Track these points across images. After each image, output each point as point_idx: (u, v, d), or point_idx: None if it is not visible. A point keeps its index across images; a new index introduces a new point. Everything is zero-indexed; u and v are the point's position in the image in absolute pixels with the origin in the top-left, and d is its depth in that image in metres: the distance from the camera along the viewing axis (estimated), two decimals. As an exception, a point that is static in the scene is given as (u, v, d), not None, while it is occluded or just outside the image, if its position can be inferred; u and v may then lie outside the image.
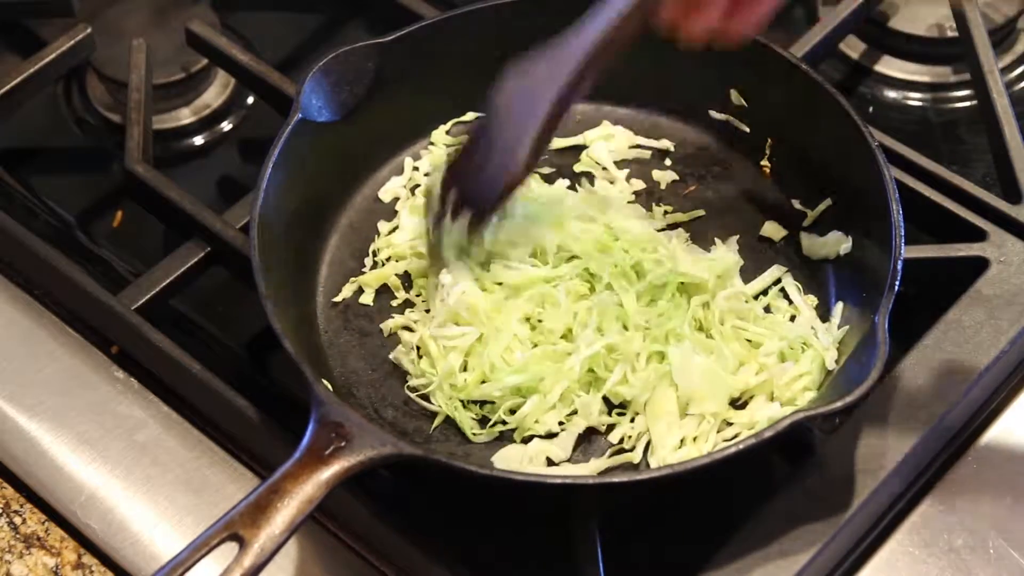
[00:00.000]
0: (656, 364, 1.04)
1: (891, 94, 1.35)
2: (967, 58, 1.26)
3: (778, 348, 1.05)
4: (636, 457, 1.02)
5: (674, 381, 1.03)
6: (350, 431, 0.91)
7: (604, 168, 1.20)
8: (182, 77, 1.31)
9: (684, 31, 0.99)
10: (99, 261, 1.22)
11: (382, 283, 1.12)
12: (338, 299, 1.11)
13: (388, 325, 1.10)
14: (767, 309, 1.09)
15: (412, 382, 1.06)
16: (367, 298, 1.12)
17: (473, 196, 1.07)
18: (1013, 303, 1.08)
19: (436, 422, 1.05)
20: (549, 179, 1.18)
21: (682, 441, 1.02)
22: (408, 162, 1.20)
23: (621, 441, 1.03)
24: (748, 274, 1.12)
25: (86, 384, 1.09)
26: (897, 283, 1.00)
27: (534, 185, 1.15)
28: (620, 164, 1.20)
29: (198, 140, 1.33)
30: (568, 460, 1.03)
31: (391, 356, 1.08)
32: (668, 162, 1.20)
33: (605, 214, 1.13)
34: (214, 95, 1.34)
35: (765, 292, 1.11)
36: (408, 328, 1.09)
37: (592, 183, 1.18)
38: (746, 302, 1.08)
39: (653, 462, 1.01)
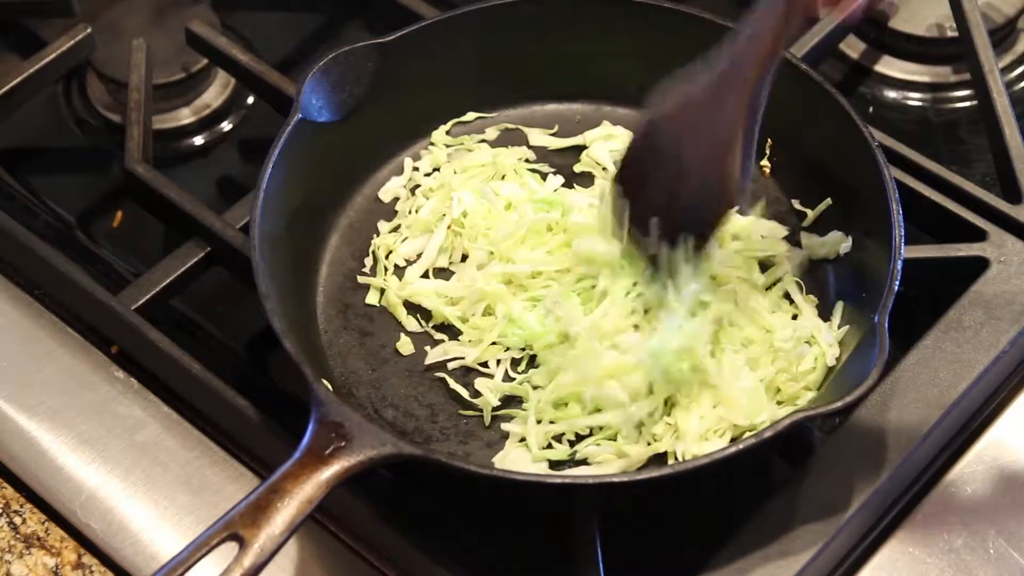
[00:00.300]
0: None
1: (891, 94, 1.35)
2: (967, 58, 1.26)
3: (793, 336, 1.05)
4: (666, 446, 1.01)
5: (717, 386, 1.02)
6: (350, 431, 0.91)
7: (604, 168, 1.20)
8: (182, 77, 1.31)
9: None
10: (99, 261, 1.22)
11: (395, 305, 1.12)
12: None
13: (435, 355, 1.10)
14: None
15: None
16: (371, 298, 1.12)
17: (687, 224, 1.04)
18: (1013, 303, 1.08)
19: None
20: (544, 178, 1.19)
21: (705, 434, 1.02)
22: (408, 162, 1.20)
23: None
24: (748, 274, 1.12)
25: (86, 384, 1.09)
26: (897, 283, 1.00)
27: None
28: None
29: (198, 140, 1.33)
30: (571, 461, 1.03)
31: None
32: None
33: None
34: (214, 95, 1.34)
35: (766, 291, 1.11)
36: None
37: (592, 183, 1.18)
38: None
39: (680, 451, 1.01)
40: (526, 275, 1.10)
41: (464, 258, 1.14)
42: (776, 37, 0.98)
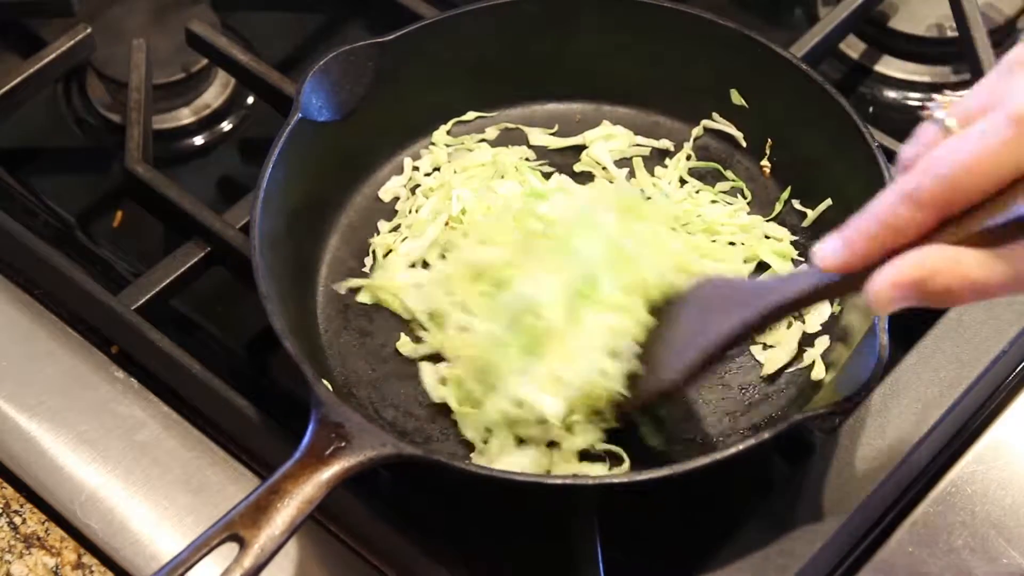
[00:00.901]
0: None
1: (891, 94, 1.35)
2: (967, 58, 1.26)
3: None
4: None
5: None
6: (350, 431, 0.91)
7: (604, 168, 1.20)
8: (182, 77, 1.31)
9: None
10: (99, 261, 1.22)
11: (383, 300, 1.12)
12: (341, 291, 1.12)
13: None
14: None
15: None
16: (362, 297, 1.12)
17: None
18: (1013, 303, 1.08)
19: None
20: (547, 177, 1.19)
21: None
22: (408, 162, 1.20)
23: None
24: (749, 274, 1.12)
25: (86, 384, 1.09)
26: (897, 283, 1.00)
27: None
28: (620, 164, 1.20)
29: (198, 140, 1.33)
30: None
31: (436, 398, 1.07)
32: (668, 162, 1.20)
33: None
34: (214, 95, 1.34)
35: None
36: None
37: (592, 182, 1.18)
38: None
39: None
40: (499, 265, 1.07)
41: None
42: (809, 296, 0.91)
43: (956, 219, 0.79)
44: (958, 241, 0.79)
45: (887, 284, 0.80)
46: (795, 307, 0.93)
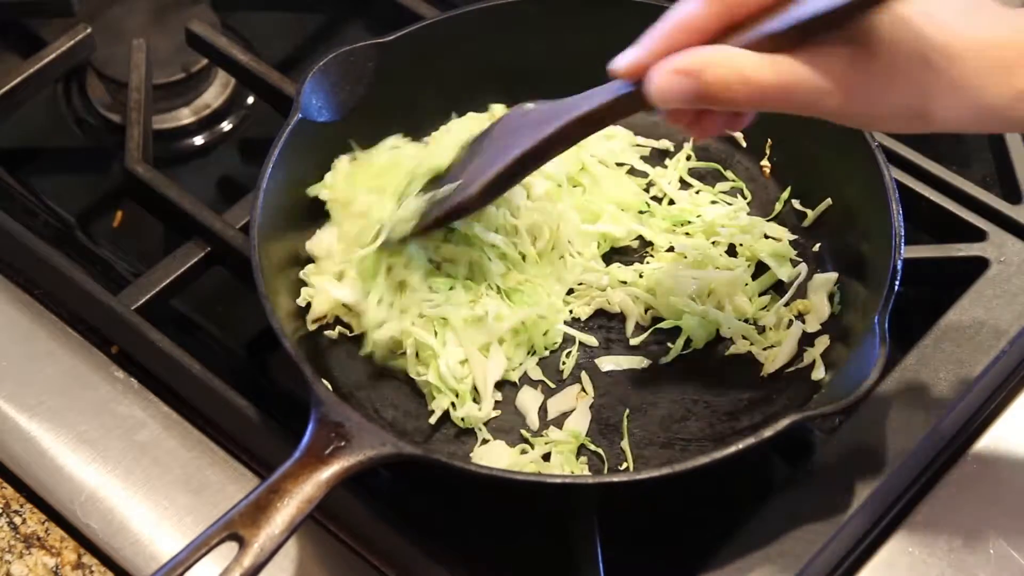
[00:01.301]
0: None
1: (891, 94, 1.34)
2: (967, 58, 1.26)
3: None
4: None
5: None
6: (350, 431, 0.91)
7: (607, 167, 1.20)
8: (182, 77, 1.31)
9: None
10: (99, 261, 1.22)
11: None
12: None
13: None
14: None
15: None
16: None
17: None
18: (1013, 303, 1.08)
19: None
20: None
21: None
22: (408, 162, 1.20)
23: None
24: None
25: (86, 384, 1.09)
26: (897, 283, 1.00)
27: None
28: (620, 164, 1.20)
29: (198, 140, 1.33)
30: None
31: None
32: (668, 162, 1.20)
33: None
34: (214, 95, 1.34)
35: (767, 292, 1.11)
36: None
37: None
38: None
39: None
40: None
41: None
42: (605, 108, 0.96)
43: (740, 25, 0.86)
44: (742, 46, 0.85)
45: (666, 71, 0.86)
46: (597, 121, 0.97)
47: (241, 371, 1.15)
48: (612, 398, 1.07)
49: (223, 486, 1.03)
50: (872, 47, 0.84)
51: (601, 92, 0.95)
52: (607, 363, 1.09)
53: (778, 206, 1.16)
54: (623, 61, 0.91)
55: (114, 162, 1.26)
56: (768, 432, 0.93)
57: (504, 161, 1.02)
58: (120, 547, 1.01)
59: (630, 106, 0.94)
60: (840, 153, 1.11)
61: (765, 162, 1.19)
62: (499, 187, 1.04)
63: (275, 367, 1.14)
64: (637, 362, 1.09)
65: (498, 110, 1.16)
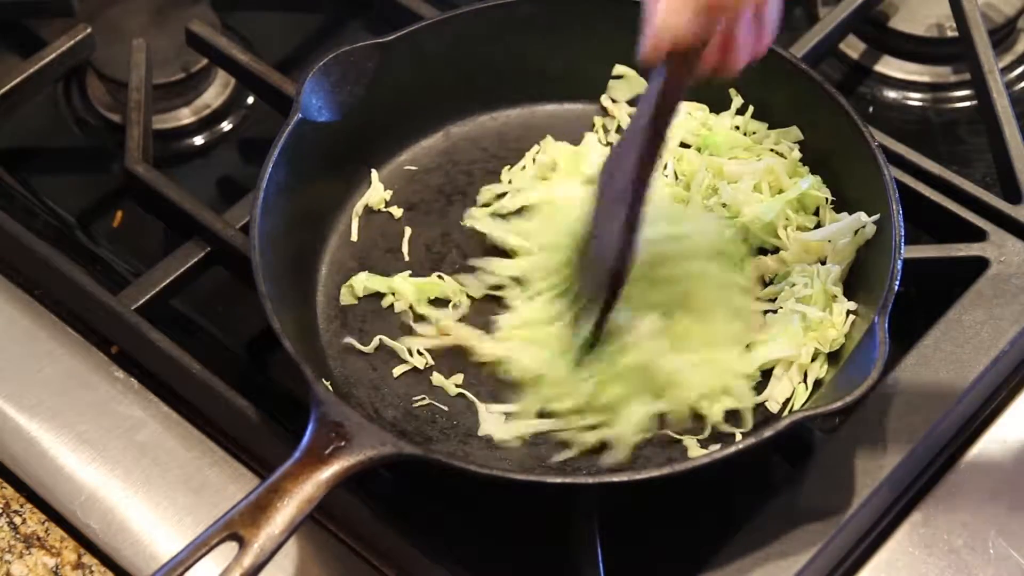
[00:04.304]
0: None
1: (891, 94, 1.35)
2: (967, 58, 1.26)
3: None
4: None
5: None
6: (350, 431, 0.92)
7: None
8: (182, 77, 1.31)
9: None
10: (99, 261, 1.22)
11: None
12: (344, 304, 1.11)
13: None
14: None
15: None
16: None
17: (592, 291, 1.03)
18: (1013, 303, 1.08)
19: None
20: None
21: None
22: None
23: None
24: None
25: (86, 384, 1.09)
26: (897, 283, 1.00)
27: None
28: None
29: (198, 140, 1.33)
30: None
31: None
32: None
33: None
34: (214, 95, 1.34)
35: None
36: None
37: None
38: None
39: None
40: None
41: None
42: (660, 108, 0.96)
43: None
44: None
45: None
46: (659, 126, 0.96)
47: (241, 371, 1.15)
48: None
49: (223, 486, 1.03)
50: None
51: (645, 99, 0.97)
52: None
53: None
54: (643, 47, 0.93)
55: (114, 162, 1.26)
56: (768, 432, 0.93)
57: (623, 208, 0.98)
58: (120, 547, 1.01)
59: (672, 90, 0.95)
60: (840, 153, 1.11)
61: (765, 162, 1.18)
62: (632, 235, 0.99)
63: (275, 367, 1.14)
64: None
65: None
